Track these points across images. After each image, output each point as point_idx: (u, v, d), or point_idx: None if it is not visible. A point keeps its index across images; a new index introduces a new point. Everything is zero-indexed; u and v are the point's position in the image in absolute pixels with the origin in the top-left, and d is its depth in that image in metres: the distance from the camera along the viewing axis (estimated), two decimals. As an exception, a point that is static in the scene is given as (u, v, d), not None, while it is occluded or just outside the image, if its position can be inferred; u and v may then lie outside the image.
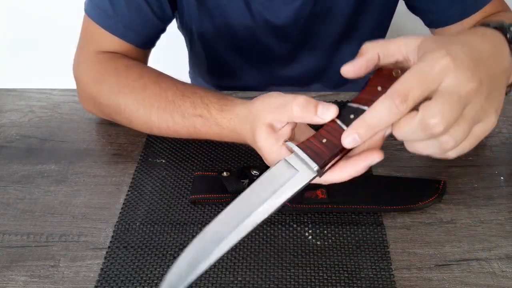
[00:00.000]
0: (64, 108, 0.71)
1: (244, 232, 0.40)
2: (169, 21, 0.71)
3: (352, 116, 0.40)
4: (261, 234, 0.53)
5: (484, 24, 0.44)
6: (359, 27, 0.76)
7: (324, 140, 0.41)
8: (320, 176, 0.41)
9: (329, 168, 0.41)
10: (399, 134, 0.37)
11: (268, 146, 0.45)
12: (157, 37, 0.70)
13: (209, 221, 0.53)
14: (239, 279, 0.48)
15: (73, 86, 0.68)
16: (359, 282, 0.48)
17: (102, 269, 0.50)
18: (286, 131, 0.44)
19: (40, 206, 0.57)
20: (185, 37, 0.85)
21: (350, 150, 0.41)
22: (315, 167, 0.40)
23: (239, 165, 0.60)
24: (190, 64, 0.95)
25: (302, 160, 0.41)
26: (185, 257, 0.40)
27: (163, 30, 0.70)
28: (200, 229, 0.53)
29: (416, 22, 0.76)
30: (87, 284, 0.49)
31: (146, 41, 0.68)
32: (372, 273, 0.48)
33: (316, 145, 0.41)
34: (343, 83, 0.84)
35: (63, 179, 0.60)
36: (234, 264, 0.50)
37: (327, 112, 0.41)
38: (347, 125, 0.40)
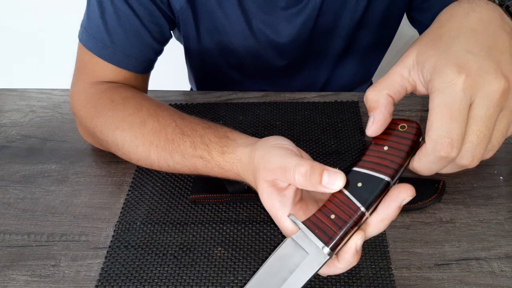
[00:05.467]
0: (64, 108, 0.71)
1: None
2: (167, 42, 0.69)
3: (360, 185, 0.37)
4: (261, 234, 0.53)
5: None
6: (360, 42, 0.75)
7: (333, 216, 0.37)
8: (332, 257, 0.37)
9: (342, 246, 0.37)
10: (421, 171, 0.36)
11: (271, 207, 0.41)
12: (155, 60, 0.68)
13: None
14: (239, 278, 0.49)
15: (74, 86, 0.68)
16: (359, 281, 0.48)
17: (102, 268, 0.50)
18: (290, 193, 0.41)
19: (41, 205, 0.57)
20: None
21: (361, 224, 0.38)
22: (326, 249, 0.37)
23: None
24: (188, 72, 0.95)
25: (310, 240, 0.37)
26: None
27: (160, 51, 0.68)
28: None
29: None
30: (87, 283, 0.49)
31: (146, 66, 0.66)
32: (371, 272, 0.48)
33: (324, 222, 0.37)
34: None
35: (63, 179, 0.60)
36: (234, 264, 0.50)
37: (333, 182, 0.37)
38: (355, 195, 0.36)
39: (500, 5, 0.40)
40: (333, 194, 0.38)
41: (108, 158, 0.63)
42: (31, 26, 1.57)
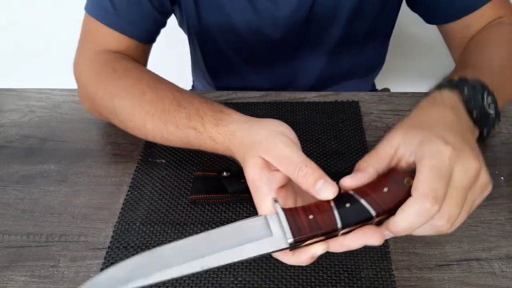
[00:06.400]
0: (64, 108, 0.71)
1: (189, 270, 0.37)
2: (169, 15, 0.72)
3: (348, 205, 0.38)
4: (261, 234, 0.53)
5: (442, 84, 0.47)
6: (358, 29, 0.76)
7: (311, 217, 0.38)
8: (291, 249, 0.39)
9: (305, 246, 0.39)
10: (402, 230, 0.38)
11: (257, 180, 0.42)
12: (157, 31, 0.71)
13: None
14: (239, 279, 0.48)
15: (73, 86, 0.68)
16: (359, 282, 0.48)
17: (102, 269, 0.50)
18: (280, 175, 0.42)
19: (40, 206, 0.57)
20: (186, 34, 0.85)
21: (330, 237, 0.39)
22: (290, 239, 0.38)
23: (239, 165, 0.60)
24: (192, 62, 0.95)
25: (281, 226, 0.39)
26: (125, 266, 0.38)
27: (163, 24, 0.71)
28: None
29: (418, 22, 0.76)
30: (87, 284, 0.49)
31: (147, 36, 0.69)
32: (372, 273, 0.48)
33: (301, 218, 0.38)
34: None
35: (63, 179, 0.60)
36: (234, 264, 0.50)
37: (324, 191, 0.39)
38: (340, 212, 0.38)
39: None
40: (322, 200, 0.40)
41: (108, 159, 0.63)
42: (30, 26, 1.57)
